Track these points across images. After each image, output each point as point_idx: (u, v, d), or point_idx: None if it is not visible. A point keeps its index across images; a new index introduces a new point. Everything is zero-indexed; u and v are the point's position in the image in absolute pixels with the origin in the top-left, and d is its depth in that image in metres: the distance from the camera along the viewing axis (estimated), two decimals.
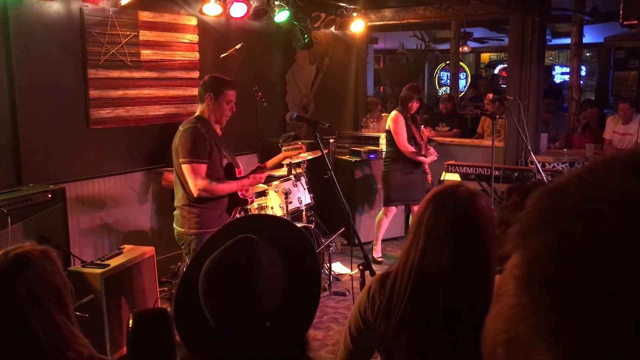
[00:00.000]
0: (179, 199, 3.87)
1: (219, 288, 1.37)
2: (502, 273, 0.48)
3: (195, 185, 3.69)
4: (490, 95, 6.88)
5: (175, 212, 3.90)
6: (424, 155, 5.78)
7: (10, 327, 1.58)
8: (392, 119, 5.81)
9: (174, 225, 3.91)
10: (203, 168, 3.71)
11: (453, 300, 1.67)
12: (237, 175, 4.05)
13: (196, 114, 3.89)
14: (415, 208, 5.82)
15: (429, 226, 1.71)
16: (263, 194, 5.08)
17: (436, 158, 5.98)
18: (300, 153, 4.50)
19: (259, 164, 4.29)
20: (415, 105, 5.78)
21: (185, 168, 3.70)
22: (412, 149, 5.76)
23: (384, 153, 6.05)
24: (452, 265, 1.66)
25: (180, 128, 3.83)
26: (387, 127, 5.90)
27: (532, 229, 0.45)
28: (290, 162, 5.06)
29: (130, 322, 1.10)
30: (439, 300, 1.68)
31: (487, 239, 1.68)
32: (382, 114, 7.46)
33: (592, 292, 0.40)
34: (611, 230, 0.40)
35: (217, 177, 3.81)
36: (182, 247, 3.95)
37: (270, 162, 4.28)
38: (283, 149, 4.41)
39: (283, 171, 5.29)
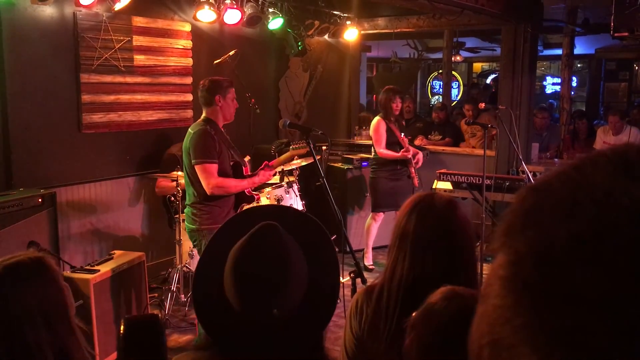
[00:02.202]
0: (189, 198, 4.02)
1: (248, 277, 1.30)
2: (489, 272, 0.47)
3: (208, 184, 3.85)
4: (483, 105, 6.91)
5: (185, 210, 4.06)
6: (407, 151, 5.61)
7: (3, 347, 1.46)
8: (373, 125, 5.76)
9: (186, 223, 4.05)
10: (215, 167, 3.87)
11: None
12: (245, 174, 4.19)
13: (203, 117, 4.03)
14: None
15: (414, 238, 1.73)
16: (254, 200, 5.07)
17: (417, 161, 5.81)
18: (307, 151, 4.54)
19: (266, 162, 4.37)
20: (398, 104, 5.65)
21: (198, 168, 3.86)
22: (390, 153, 5.65)
23: (371, 159, 6.01)
24: (442, 276, 1.65)
25: (190, 130, 3.97)
26: (370, 134, 5.88)
27: (517, 228, 0.44)
28: (296, 160, 5.03)
29: (122, 328, 1.09)
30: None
31: (469, 245, 1.75)
32: None
33: (568, 295, 0.39)
34: (589, 232, 0.40)
35: (226, 176, 3.97)
36: (194, 243, 4.06)
37: (277, 161, 4.42)
38: (291, 147, 4.48)
39: (275, 178, 5.28)
